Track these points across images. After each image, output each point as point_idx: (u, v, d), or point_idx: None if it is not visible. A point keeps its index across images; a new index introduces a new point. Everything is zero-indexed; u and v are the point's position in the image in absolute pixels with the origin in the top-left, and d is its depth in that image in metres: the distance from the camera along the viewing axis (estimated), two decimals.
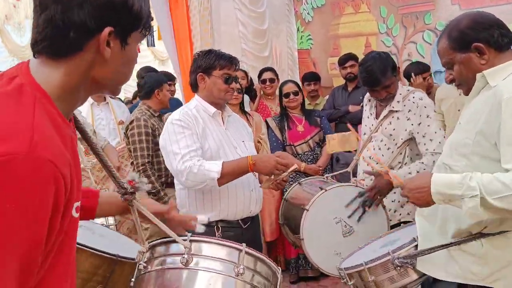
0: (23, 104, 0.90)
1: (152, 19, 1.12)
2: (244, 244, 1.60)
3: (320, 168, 4.12)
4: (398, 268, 1.98)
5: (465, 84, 1.85)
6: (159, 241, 1.66)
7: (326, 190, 2.77)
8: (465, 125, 1.84)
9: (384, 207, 2.85)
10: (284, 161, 2.36)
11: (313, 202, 2.73)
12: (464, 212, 1.68)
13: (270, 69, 5.15)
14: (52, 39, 0.97)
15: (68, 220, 0.94)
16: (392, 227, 2.84)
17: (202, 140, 2.47)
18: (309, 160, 4.27)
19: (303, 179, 3.36)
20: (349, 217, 2.78)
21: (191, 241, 1.56)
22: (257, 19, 5.78)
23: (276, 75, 5.12)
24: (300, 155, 4.28)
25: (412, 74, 4.32)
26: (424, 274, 1.99)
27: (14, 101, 0.90)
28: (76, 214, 1.00)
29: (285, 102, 4.36)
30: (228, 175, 2.35)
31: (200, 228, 1.74)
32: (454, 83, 1.92)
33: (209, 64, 2.54)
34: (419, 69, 4.34)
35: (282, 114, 4.44)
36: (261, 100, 5.10)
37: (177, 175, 2.40)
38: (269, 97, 5.06)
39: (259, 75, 5.11)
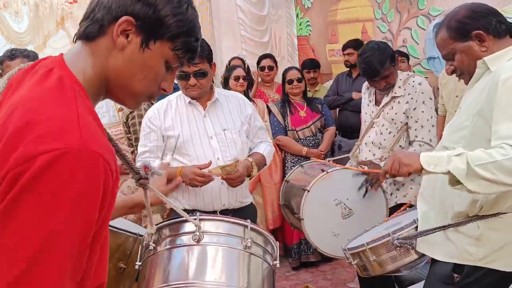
0: (67, 97, 0.91)
1: (196, 48, 1.08)
2: (248, 221, 1.68)
3: (322, 153, 4.19)
4: (398, 248, 2.05)
5: (467, 72, 1.88)
6: (165, 222, 1.73)
7: (328, 172, 2.81)
8: (466, 109, 1.88)
9: (384, 191, 2.91)
10: (202, 172, 2.35)
11: (314, 183, 2.77)
12: (454, 171, 1.65)
13: (269, 56, 5.15)
14: (88, 17, 1.01)
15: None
16: (390, 209, 2.90)
17: (170, 131, 2.50)
18: (310, 145, 4.31)
19: (305, 162, 3.41)
20: (359, 189, 2.84)
21: (200, 219, 1.64)
22: (257, 4, 5.78)
23: (275, 62, 5.12)
24: (302, 140, 4.32)
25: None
26: (424, 254, 2.04)
27: (59, 94, 0.90)
28: None
29: (288, 88, 4.37)
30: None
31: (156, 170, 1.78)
32: (455, 74, 1.94)
33: None
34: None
35: (284, 100, 4.46)
36: (258, 87, 5.11)
37: None
38: (267, 84, 5.09)
39: (258, 62, 5.11)
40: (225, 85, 4.38)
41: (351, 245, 2.33)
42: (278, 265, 1.73)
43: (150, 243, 1.65)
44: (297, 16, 6.35)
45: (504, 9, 4.16)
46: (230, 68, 4.51)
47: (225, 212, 2.50)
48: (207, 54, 2.52)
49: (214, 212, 2.49)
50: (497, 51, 1.80)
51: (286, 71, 4.51)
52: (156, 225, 1.71)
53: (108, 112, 4.65)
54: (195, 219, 1.60)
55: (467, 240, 1.84)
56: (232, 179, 2.40)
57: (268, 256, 1.71)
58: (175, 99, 2.58)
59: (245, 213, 2.60)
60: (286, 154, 4.44)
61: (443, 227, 1.86)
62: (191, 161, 2.46)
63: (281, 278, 4.20)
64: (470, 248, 1.83)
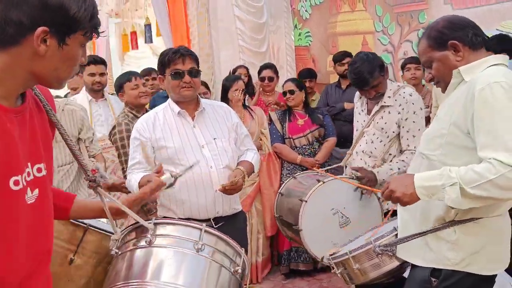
0: None
1: (99, 24, 1.22)
2: (204, 224, 1.70)
3: (317, 162, 4.18)
4: (380, 255, 2.11)
5: (443, 81, 1.97)
6: (129, 228, 1.76)
7: (324, 182, 2.87)
8: (442, 117, 1.95)
9: (379, 198, 2.96)
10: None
11: (311, 193, 2.83)
12: (448, 203, 1.75)
13: (270, 66, 5.19)
14: None
15: None
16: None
17: (161, 141, 2.53)
18: (306, 153, 4.35)
19: (298, 173, 3.45)
20: (354, 191, 2.90)
21: (155, 223, 1.67)
22: (255, 13, 5.82)
23: (276, 72, 5.17)
24: (298, 148, 4.37)
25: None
26: (406, 261, 2.09)
27: None
28: (15, 187, 1.15)
29: (285, 99, 4.51)
30: None
31: (166, 178, 1.83)
32: (433, 82, 2.04)
33: (161, 64, 2.57)
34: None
35: (285, 109, 4.56)
36: (259, 96, 5.17)
37: None
38: (267, 93, 5.13)
39: (259, 72, 5.17)
40: (224, 93, 4.40)
41: (335, 255, 2.38)
42: (240, 272, 1.70)
43: (113, 248, 1.66)
44: (295, 27, 6.39)
45: (502, 24, 4.20)
46: (232, 78, 4.49)
47: (218, 219, 2.55)
48: (196, 58, 2.63)
49: (207, 220, 2.52)
50: (472, 61, 1.88)
51: (284, 83, 4.63)
52: (121, 231, 1.73)
53: (106, 121, 4.65)
54: (149, 223, 1.64)
55: (445, 245, 1.90)
56: (234, 189, 2.46)
57: (227, 261, 1.69)
58: (162, 111, 2.61)
59: (237, 219, 2.70)
60: (283, 162, 4.47)
61: (422, 233, 1.92)
62: None
63: (277, 285, 4.32)
64: (447, 253, 1.90)
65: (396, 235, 2.13)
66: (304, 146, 4.36)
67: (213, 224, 2.52)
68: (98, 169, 1.49)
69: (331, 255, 2.37)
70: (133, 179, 2.45)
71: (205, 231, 1.67)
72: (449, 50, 1.90)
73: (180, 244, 1.63)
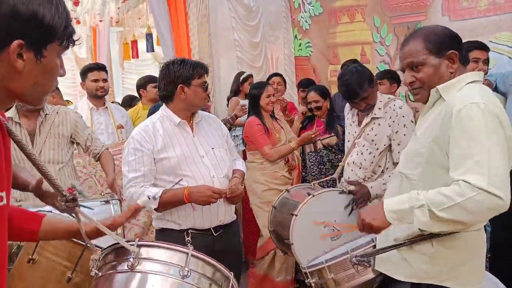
0: None
1: (74, 32, 1.13)
2: (191, 248, 1.62)
3: (318, 130, 4.09)
4: (356, 266, 2.09)
5: (427, 87, 1.91)
6: (111, 248, 1.68)
7: (313, 196, 2.86)
8: (420, 135, 1.92)
9: None
10: (218, 189, 2.44)
11: (301, 207, 2.82)
12: (418, 226, 1.74)
13: (278, 75, 5.30)
14: None
15: None
16: None
17: (163, 152, 2.49)
18: (311, 160, 4.32)
19: (291, 187, 3.44)
20: (345, 208, 2.88)
21: (139, 245, 1.58)
22: (250, 32, 5.89)
23: (284, 81, 5.24)
24: (305, 155, 4.36)
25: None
26: (381, 273, 2.07)
27: None
28: None
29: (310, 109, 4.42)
30: (166, 204, 2.45)
31: (144, 202, 1.77)
32: (412, 86, 1.96)
33: (189, 74, 2.52)
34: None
35: (309, 115, 4.55)
36: None
37: (125, 197, 2.52)
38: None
39: (268, 80, 5.21)
40: (254, 101, 4.21)
41: (310, 263, 2.38)
42: None
43: (93, 268, 1.60)
44: (295, 37, 6.41)
45: (496, 36, 4.21)
46: (261, 85, 4.29)
47: (217, 228, 2.58)
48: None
49: (207, 230, 2.54)
50: (458, 76, 1.87)
51: (307, 92, 4.52)
52: (102, 250, 1.67)
53: (106, 129, 4.65)
54: (132, 245, 1.56)
55: (422, 258, 1.88)
56: (236, 197, 2.52)
57: (215, 287, 1.64)
58: (158, 121, 2.59)
59: (233, 227, 2.74)
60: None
61: (398, 245, 1.90)
62: (188, 182, 2.48)
63: None
64: (424, 266, 1.88)
65: (374, 246, 2.12)
66: (309, 153, 4.35)
67: (213, 233, 2.55)
68: (74, 187, 1.44)
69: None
70: (148, 192, 2.40)
71: (192, 255, 1.59)
72: (445, 59, 1.87)
73: (164, 269, 1.55)
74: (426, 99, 1.94)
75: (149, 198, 1.79)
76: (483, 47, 3.58)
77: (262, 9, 6.00)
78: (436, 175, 1.81)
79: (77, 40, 1.17)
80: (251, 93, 4.27)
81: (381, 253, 1.95)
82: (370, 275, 2.09)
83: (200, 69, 2.55)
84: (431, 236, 1.84)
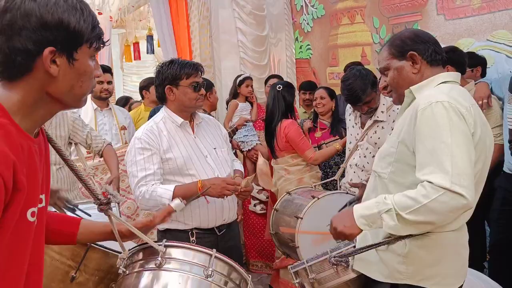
0: None
1: (102, 33, 1.20)
2: (214, 250, 1.71)
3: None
4: (335, 266, 2.08)
5: (395, 91, 1.97)
6: (138, 247, 1.76)
7: (318, 198, 2.89)
8: (391, 135, 1.96)
9: None
10: (232, 180, 2.44)
11: (306, 210, 2.85)
12: (387, 230, 1.75)
13: (277, 76, 5.23)
14: (4, 65, 1.10)
15: (14, 220, 1.05)
16: None
17: (169, 153, 2.51)
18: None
19: (292, 189, 3.43)
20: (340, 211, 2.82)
21: (166, 246, 1.67)
22: (257, 25, 5.82)
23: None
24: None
25: None
26: (361, 274, 2.06)
27: None
28: (32, 219, 1.13)
29: (314, 105, 4.47)
30: None
31: (177, 205, 1.84)
32: (385, 90, 2.04)
33: (175, 75, 2.52)
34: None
35: (313, 117, 4.56)
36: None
37: (135, 197, 2.51)
38: None
39: (266, 81, 5.21)
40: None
41: (294, 264, 2.38)
42: None
43: (121, 266, 1.68)
44: (296, 39, 6.45)
45: (492, 35, 4.22)
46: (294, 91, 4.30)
47: (220, 227, 2.60)
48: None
49: (211, 229, 2.58)
50: (427, 77, 1.89)
51: (317, 89, 4.59)
52: (129, 250, 1.74)
53: (110, 130, 4.67)
54: (160, 245, 1.65)
55: (396, 259, 1.88)
56: (247, 191, 2.52)
57: (232, 286, 1.71)
58: (161, 122, 2.61)
59: (233, 225, 2.77)
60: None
61: (374, 245, 1.88)
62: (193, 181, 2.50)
63: None
64: (399, 267, 1.87)
65: (354, 246, 2.10)
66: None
67: (217, 232, 2.58)
68: (107, 191, 1.51)
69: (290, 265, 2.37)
70: (161, 189, 2.42)
71: (215, 257, 1.68)
72: (408, 60, 1.90)
73: (189, 269, 1.64)
74: (400, 100, 1.98)
75: (181, 201, 1.84)
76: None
77: (266, 9, 5.97)
78: (405, 174, 1.81)
79: (107, 41, 1.24)
80: (285, 97, 4.09)
81: (359, 253, 1.93)
82: (351, 275, 2.09)
83: (188, 69, 2.54)
84: (406, 236, 1.82)
